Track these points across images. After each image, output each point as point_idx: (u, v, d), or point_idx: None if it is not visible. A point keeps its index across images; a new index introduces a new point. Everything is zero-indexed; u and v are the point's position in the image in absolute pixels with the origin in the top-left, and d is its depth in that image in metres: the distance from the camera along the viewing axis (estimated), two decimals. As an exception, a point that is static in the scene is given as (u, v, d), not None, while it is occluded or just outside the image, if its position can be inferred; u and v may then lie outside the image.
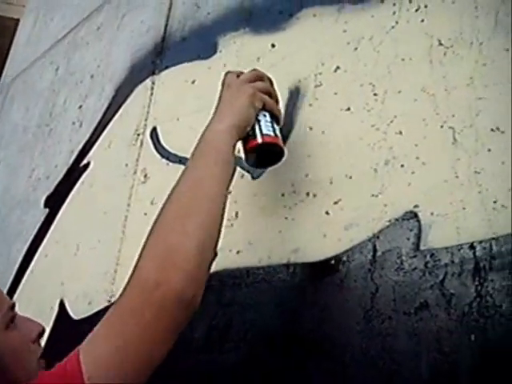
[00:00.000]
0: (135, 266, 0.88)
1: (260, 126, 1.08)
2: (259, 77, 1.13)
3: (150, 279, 0.84)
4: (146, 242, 0.90)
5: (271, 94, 1.12)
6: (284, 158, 1.12)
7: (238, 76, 1.12)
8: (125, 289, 0.87)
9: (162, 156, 1.52)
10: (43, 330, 0.96)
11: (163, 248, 0.88)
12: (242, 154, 1.12)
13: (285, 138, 1.17)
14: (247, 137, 1.08)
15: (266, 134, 1.08)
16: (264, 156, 1.11)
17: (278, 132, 1.11)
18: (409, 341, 0.90)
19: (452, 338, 0.86)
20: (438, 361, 0.86)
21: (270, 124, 1.10)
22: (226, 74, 1.13)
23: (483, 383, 0.82)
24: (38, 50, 2.62)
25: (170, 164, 1.49)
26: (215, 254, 0.94)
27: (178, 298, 0.83)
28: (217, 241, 0.93)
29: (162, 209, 0.93)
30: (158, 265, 0.86)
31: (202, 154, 0.99)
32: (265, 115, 1.10)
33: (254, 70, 1.16)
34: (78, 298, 1.60)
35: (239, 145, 1.09)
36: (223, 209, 0.95)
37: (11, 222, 2.19)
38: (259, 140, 1.07)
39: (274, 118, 1.12)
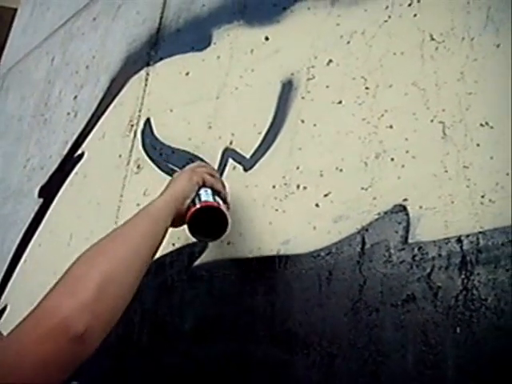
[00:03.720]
0: None
1: (199, 196, 1.12)
2: (201, 165, 1.23)
3: (44, 305, 0.80)
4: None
5: (213, 176, 1.18)
6: (229, 228, 1.10)
7: None
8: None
9: (154, 148, 1.53)
10: None
11: (69, 277, 0.85)
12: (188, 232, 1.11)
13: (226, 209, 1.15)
14: (188, 208, 1.10)
15: (205, 201, 1.11)
16: (208, 225, 1.11)
17: (219, 200, 1.14)
18: (395, 333, 0.91)
19: (438, 330, 0.87)
20: (424, 353, 0.87)
21: (210, 195, 1.13)
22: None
23: (468, 375, 0.83)
24: (35, 40, 2.62)
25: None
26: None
27: (64, 325, 0.77)
28: (133, 285, 0.90)
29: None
30: (57, 292, 0.82)
31: (137, 216, 1.01)
32: (206, 190, 1.14)
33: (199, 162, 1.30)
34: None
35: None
36: (144, 259, 0.94)
37: (5, 211, 2.20)
38: (197, 205, 1.10)
39: (216, 192, 1.16)
